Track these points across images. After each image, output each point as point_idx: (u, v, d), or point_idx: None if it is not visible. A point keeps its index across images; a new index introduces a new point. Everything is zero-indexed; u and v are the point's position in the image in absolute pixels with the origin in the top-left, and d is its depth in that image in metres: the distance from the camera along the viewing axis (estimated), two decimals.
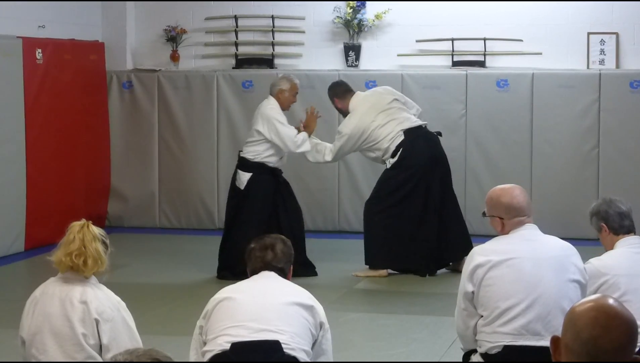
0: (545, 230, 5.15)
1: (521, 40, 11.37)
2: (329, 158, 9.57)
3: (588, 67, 11.20)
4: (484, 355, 4.90)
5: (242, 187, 9.26)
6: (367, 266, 9.38)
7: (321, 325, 4.73)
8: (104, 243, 4.74)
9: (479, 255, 4.97)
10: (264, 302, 4.67)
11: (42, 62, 10.87)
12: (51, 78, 11.03)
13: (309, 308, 4.70)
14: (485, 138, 11.30)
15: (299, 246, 9.03)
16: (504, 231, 5.04)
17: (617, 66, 11.17)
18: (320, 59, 11.85)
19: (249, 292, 4.73)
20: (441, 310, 8.02)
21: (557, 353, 2.63)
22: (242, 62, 12.10)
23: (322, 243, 10.65)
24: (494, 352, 4.85)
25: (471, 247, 5.67)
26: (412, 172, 9.30)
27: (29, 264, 10.27)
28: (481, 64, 11.47)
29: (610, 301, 2.62)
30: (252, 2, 12.13)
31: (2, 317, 7.81)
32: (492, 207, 5.09)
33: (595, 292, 5.11)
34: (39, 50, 10.84)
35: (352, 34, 11.72)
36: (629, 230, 5.46)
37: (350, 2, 11.66)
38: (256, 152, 9.26)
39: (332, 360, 4.83)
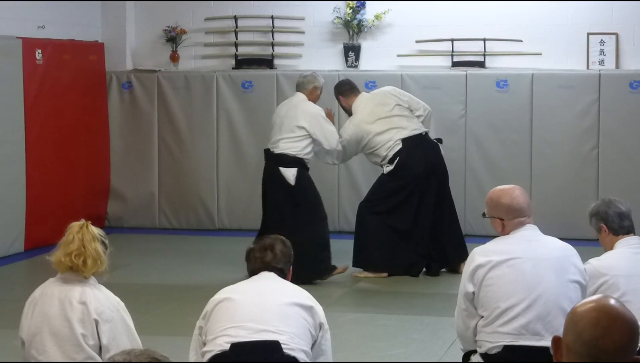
0: (545, 230, 5.15)
1: (521, 41, 11.36)
2: (337, 160, 9.62)
3: (588, 68, 11.20)
4: (484, 355, 4.90)
5: (292, 182, 9.12)
6: (357, 267, 9.39)
7: (320, 325, 4.74)
8: (103, 243, 4.74)
9: (479, 255, 4.97)
10: (264, 303, 4.67)
11: (41, 62, 10.86)
12: (51, 78, 11.02)
13: (309, 309, 4.70)
14: (485, 139, 11.29)
15: (327, 251, 9.17)
16: (504, 231, 5.05)
17: (617, 67, 11.16)
18: (320, 59, 11.84)
19: (248, 293, 4.74)
20: (441, 310, 8.02)
21: (559, 353, 2.63)
22: (242, 62, 12.09)
23: None
24: (494, 352, 4.86)
25: (466, 256, 5.66)
26: (406, 181, 9.31)
27: (28, 264, 10.26)
28: (481, 64, 11.47)
29: (612, 302, 2.62)
30: (252, 2, 12.12)
31: (1, 317, 7.80)
32: (493, 208, 5.09)
33: (594, 293, 5.10)
34: (39, 50, 10.84)
35: (351, 34, 11.72)
36: (629, 231, 5.46)
37: (350, 2, 11.65)
38: (298, 148, 9.19)
39: (331, 361, 4.83)
